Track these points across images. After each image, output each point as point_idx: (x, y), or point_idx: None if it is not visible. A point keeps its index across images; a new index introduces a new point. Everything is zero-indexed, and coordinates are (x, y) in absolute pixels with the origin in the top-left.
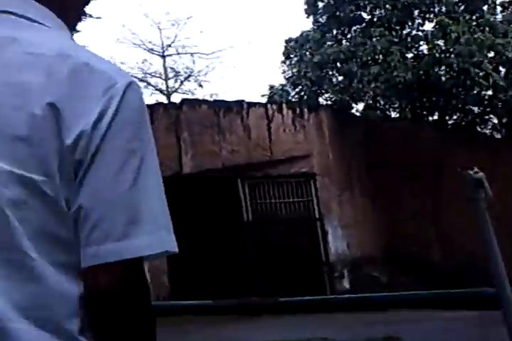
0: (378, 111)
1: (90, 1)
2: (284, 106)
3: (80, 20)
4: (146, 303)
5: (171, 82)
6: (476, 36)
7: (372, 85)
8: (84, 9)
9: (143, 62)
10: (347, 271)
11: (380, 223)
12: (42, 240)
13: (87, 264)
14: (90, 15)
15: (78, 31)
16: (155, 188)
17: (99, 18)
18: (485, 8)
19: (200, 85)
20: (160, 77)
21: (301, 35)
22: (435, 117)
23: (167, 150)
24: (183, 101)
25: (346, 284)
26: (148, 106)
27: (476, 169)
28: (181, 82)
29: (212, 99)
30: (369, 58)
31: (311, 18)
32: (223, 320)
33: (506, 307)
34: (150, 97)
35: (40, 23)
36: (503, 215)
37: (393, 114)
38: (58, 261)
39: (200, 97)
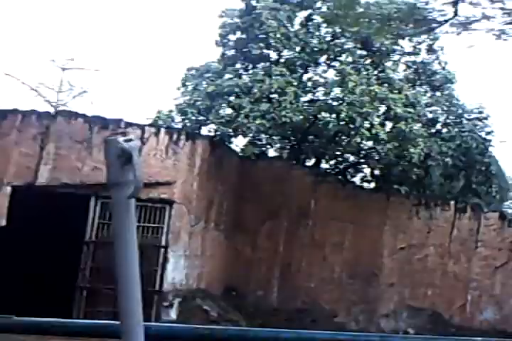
0: (258, 148)
1: None
2: (162, 130)
3: None
4: None
5: (63, 96)
6: (371, 88)
7: (258, 122)
8: None
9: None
10: (178, 302)
11: (227, 259)
12: None
13: None
14: None
15: None
16: None
17: None
18: (389, 64)
19: (91, 103)
20: (53, 89)
21: (204, 65)
22: (312, 161)
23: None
24: (58, 111)
25: (173, 315)
26: (21, 111)
27: (131, 135)
28: (74, 97)
29: (90, 114)
30: (263, 95)
31: (221, 50)
32: None
33: None
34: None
35: None
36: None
37: (273, 153)
38: None
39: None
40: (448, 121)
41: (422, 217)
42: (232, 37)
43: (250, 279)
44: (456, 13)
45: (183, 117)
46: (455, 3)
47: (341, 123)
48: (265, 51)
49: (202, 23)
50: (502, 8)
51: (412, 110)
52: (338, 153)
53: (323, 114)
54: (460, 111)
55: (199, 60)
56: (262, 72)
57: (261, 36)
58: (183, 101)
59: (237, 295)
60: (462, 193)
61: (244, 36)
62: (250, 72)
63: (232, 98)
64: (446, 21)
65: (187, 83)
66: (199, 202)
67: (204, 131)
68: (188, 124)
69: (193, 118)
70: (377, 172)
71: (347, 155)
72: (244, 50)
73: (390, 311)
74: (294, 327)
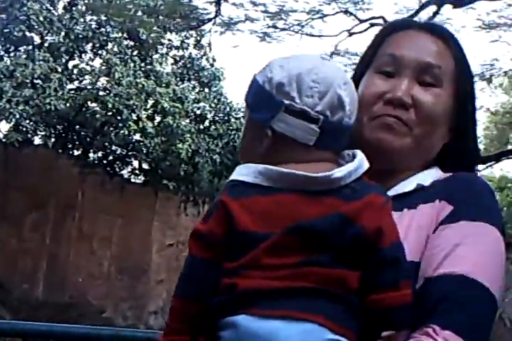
0: (23, 135)
1: None
2: None
3: None
4: None
5: None
6: (138, 81)
7: (21, 107)
8: None
9: None
10: None
11: None
12: None
13: None
14: None
15: None
16: None
17: None
18: (156, 56)
19: None
20: None
21: None
22: (80, 151)
23: None
24: None
25: None
26: None
27: None
28: None
29: None
30: (26, 80)
31: None
32: None
33: None
34: None
35: None
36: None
37: (38, 141)
38: None
39: None
40: (216, 118)
41: (189, 213)
42: None
43: (15, 271)
44: (218, 13)
45: None
46: (217, 3)
47: (108, 114)
48: (27, 34)
49: None
50: (265, 12)
51: (179, 105)
52: (105, 144)
53: (90, 103)
54: (228, 109)
55: None
56: (25, 56)
57: (22, 18)
58: None
59: (1, 288)
60: None
61: (3, 16)
62: (12, 54)
63: None
64: (209, 20)
65: None
66: None
67: None
68: None
69: None
70: (145, 166)
71: (115, 147)
72: (5, 30)
73: (158, 308)
74: (60, 321)
